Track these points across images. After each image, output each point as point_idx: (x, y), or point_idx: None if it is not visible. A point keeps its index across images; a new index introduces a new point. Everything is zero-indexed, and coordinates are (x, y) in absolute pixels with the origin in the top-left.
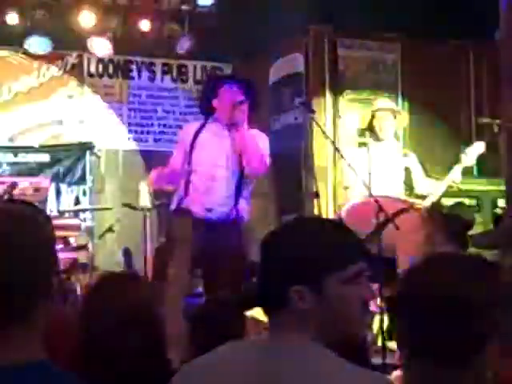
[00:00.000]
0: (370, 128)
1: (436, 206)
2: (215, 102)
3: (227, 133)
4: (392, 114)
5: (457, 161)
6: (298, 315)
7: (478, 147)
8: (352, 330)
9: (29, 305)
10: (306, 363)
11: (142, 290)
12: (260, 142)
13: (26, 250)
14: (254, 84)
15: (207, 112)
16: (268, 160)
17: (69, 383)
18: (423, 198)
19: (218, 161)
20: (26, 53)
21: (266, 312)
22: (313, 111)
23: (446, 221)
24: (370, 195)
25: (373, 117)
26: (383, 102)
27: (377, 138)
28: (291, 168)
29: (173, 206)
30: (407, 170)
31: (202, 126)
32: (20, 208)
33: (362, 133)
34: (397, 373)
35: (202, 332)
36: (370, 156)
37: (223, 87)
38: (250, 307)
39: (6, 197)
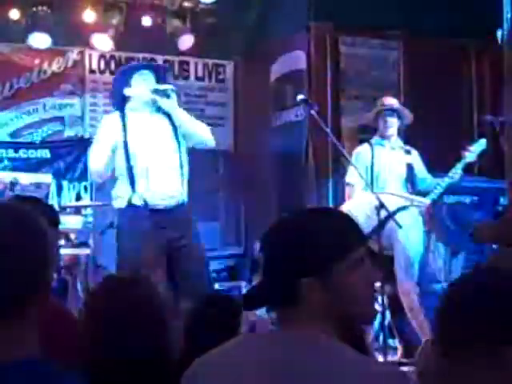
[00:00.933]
0: (374, 125)
1: (435, 203)
2: (128, 91)
3: (155, 116)
4: (397, 113)
5: (458, 158)
6: (309, 307)
7: (480, 144)
8: (364, 312)
9: (20, 303)
10: (317, 354)
11: (144, 293)
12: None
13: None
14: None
15: (121, 103)
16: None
17: (67, 382)
18: (425, 194)
19: (157, 150)
20: (27, 49)
21: (275, 308)
22: (314, 108)
23: (438, 223)
24: (372, 192)
25: (378, 114)
26: (389, 100)
27: (380, 136)
28: (292, 165)
29: (121, 204)
30: (409, 166)
31: (123, 119)
32: (19, 206)
33: (363, 130)
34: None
35: (201, 333)
36: (373, 153)
37: (134, 76)
38: (253, 307)
39: (7, 192)
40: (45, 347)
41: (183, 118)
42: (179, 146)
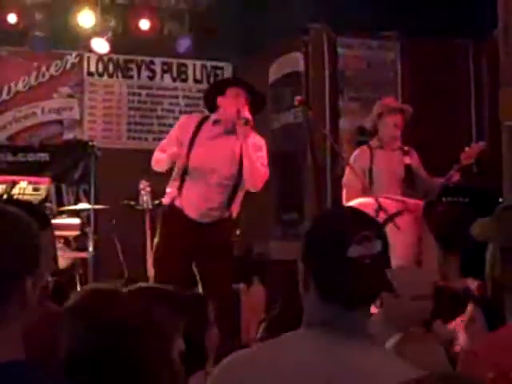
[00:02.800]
0: (375, 127)
1: (430, 207)
2: (220, 100)
3: (228, 138)
4: (400, 113)
5: (456, 159)
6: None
7: (478, 146)
8: None
9: (3, 305)
10: (372, 357)
11: (125, 309)
12: (262, 152)
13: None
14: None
15: (211, 107)
16: (267, 173)
17: None
18: (423, 195)
19: (216, 166)
20: (25, 52)
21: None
22: (311, 110)
23: (435, 224)
24: (371, 194)
25: (379, 116)
26: (392, 101)
27: (381, 137)
28: (292, 166)
29: (166, 201)
30: (408, 167)
31: (202, 123)
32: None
33: (362, 131)
34: None
35: None
36: (372, 154)
37: (231, 88)
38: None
39: (5, 196)
40: (42, 350)
41: (249, 152)
42: (239, 171)
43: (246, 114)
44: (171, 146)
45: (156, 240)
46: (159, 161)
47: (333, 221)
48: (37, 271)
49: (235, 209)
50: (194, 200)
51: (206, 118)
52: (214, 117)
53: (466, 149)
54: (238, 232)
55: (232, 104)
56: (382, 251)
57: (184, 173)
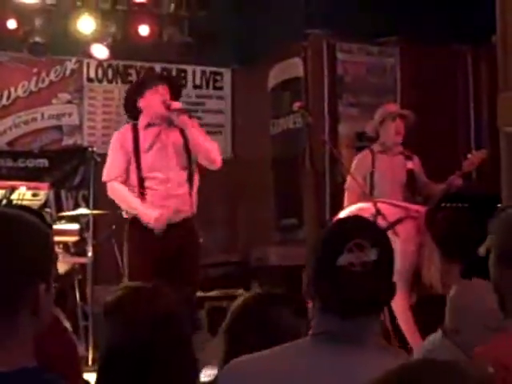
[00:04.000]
0: (377, 132)
1: (432, 214)
2: (141, 102)
3: (167, 134)
4: (401, 119)
5: (455, 164)
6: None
7: (481, 153)
8: None
9: (10, 311)
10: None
11: (164, 304)
12: (202, 130)
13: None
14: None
15: (133, 114)
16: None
17: None
18: (425, 201)
19: (168, 163)
20: (25, 58)
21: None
22: (310, 115)
23: (436, 231)
24: (370, 199)
25: (381, 122)
26: (394, 107)
27: (383, 142)
28: (291, 172)
29: (129, 215)
30: (410, 172)
31: (136, 132)
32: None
33: (361, 137)
34: None
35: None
36: (374, 159)
37: (149, 88)
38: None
39: (4, 201)
40: (36, 356)
41: (195, 133)
42: (189, 161)
43: (176, 104)
44: (121, 164)
45: (126, 258)
46: (118, 197)
47: (330, 230)
48: (49, 277)
49: (194, 201)
50: (164, 201)
51: (135, 126)
52: (142, 122)
53: (469, 155)
54: (201, 240)
55: (156, 102)
56: (377, 260)
57: (141, 182)
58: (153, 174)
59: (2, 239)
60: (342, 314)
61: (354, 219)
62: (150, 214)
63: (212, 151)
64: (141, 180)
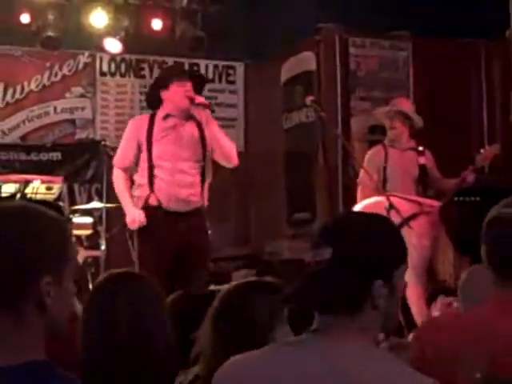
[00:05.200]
0: (388, 126)
1: (446, 209)
2: (164, 94)
3: (184, 125)
4: (404, 115)
5: (468, 159)
6: (367, 316)
7: (494, 148)
8: (396, 323)
9: (13, 306)
10: (373, 364)
11: (145, 290)
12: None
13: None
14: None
15: (154, 104)
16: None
17: None
18: (437, 195)
19: (182, 152)
20: (38, 52)
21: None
22: (322, 110)
23: (449, 226)
24: (383, 193)
25: (391, 117)
26: (400, 102)
27: (394, 137)
28: (303, 166)
29: (139, 203)
30: (422, 167)
31: (153, 121)
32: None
33: (373, 131)
34: None
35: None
36: (386, 154)
37: (174, 81)
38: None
39: (18, 195)
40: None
41: (215, 129)
42: (204, 154)
43: (200, 99)
44: (131, 150)
45: (138, 246)
46: (117, 187)
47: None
48: (59, 271)
49: (206, 193)
50: (171, 190)
51: (153, 116)
52: (160, 113)
53: (482, 150)
54: (209, 232)
55: (180, 94)
56: (332, 259)
57: (151, 170)
58: (162, 163)
59: None
60: (318, 310)
61: (341, 216)
62: (132, 212)
63: (230, 149)
64: (151, 168)
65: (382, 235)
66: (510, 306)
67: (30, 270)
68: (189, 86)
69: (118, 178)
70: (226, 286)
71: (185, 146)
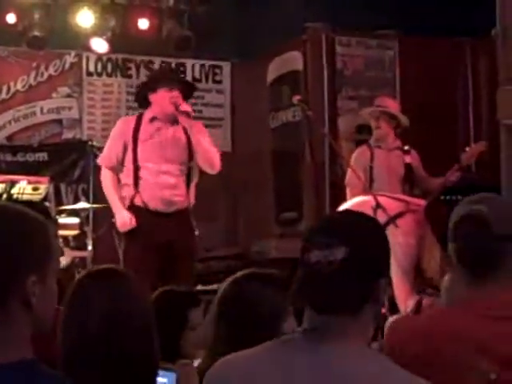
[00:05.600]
0: (373, 126)
1: (432, 208)
2: (152, 97)
3: (169, 128)
4: (389, 115)
5: (454, 157)
6: (366, 314)
7: (479, 146)
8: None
9: (5, 303)
10: (370, 365)
11: (127, 287)
12: (206, 135)
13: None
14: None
15: (142, 103)
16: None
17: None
18: (423, 194)
19: (167, 154)
20: (24, 52)
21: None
22: (309, 109)
23: (435, 225)
24: (370, 193)
25: (370, 114)
26: (385, 101)
27: (379, 137)
28: (290, 165)
29: (125, 203)
30: (408, 166)
31: (139, 123)
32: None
33: (360, 130)
34: None
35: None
36: (372, 154)
37: (163, 86)
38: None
39: (4, 196)
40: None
41: (197, 136)
42: (189, 157)
43: (185, 106)
44: (117, 150)
45: (123, 245)
46: (106, 187)
47: (311, 226)
48: (44, 270)
49: (192, 197)
50: (155, 191)
51: (140, 117)
52: (147, 115)
53: (467, 149)
54: (197, 233)
55: (166, 100)
56: (346, 258)
57: (136, 171)
58: (147, 164)
59: None
60: (317, 311)
61: (339, 215)
62: (122, 216)
63: (213, 155)
64: (136, 168)
65: (383, 234)
66: (483, 305)
67: (17, 270)
68: (176, 92)
69: (107, 179)
70: (216, 285)
71: (169, 148)
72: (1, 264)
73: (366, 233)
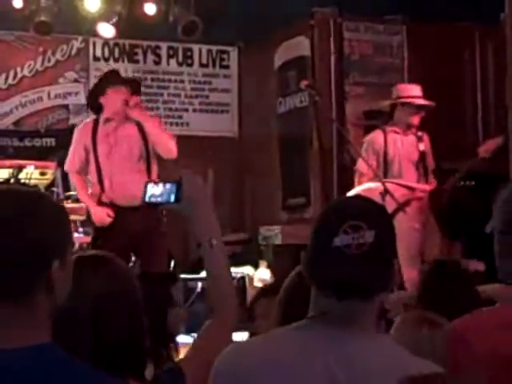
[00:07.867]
0: (389, 112)
1: (436, 196)
2: (103, 100)
3: (125, 127)
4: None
5: (462, 143)
6: (378, 299)
7: (496, 141)
8: None
9: (25, 290)
10: (387, 351)
11: (115, 274)
12: (158, 122)
13: (30, 229)
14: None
15: (95, 109)
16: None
17: (76, 369)
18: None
19: (125, 152)
20: (31, 37)
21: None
22: (318, 94)
23: (437, 211)
24: (380, 179)
25: (394, 106)
26: (412, 90)
27: (396, 122)
28: (298, 150)
29: (94, 200)
30: (422, 152)
31: (96, 126)
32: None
33: (368, 115)
34: None
35: None
36: (386, 139)
37: (111, 88)
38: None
39: (12, 180)
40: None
41: (149, 125)
42: (147, 151)
43: (134, 99)
44: (79, 154)
45: (92, 241)
46: (76, 189)
47: (328, 209)
48: (65, 254)
49: None
50: (118, 188)
51: (97, 120)
52: (102, 117)
53: (486, 142)
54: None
55: (116, 99)
56: (374, 242)
57: (99, 171)
58: (107, 164)
59: (12, 217)
60: (338, 296)
61: (355, 199)
62: (99, 213)
63: (166, 140)
64: (98, 168)
65: (391, 217)
66: None
67: (45, 257)
68: (124, 91)
69: (74, 182)
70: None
71: (126, 145)
72: (33, 252)
73: (386, 216)
